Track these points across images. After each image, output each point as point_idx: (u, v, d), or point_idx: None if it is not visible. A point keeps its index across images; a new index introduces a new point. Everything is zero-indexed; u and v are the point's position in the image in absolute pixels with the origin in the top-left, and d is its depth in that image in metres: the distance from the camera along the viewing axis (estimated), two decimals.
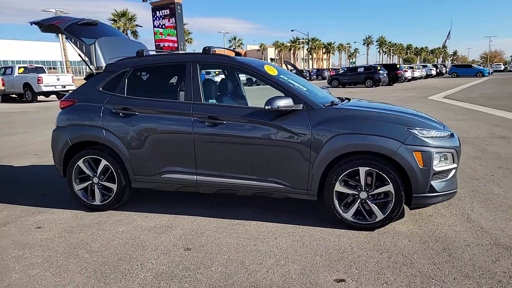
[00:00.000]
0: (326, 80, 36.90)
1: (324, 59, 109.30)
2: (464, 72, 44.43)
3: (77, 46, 4.22)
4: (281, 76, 3.92)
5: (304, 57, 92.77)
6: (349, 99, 4.28)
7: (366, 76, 28.97)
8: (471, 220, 3.69)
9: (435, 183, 3.39)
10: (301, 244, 3.28)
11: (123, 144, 3.98)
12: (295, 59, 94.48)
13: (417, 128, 3.42)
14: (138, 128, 3.93)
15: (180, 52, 6.00)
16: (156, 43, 45.54)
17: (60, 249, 3.32)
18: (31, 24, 4.47)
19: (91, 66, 4.34)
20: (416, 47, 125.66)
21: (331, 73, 55.42)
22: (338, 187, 3.51)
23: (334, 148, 3.43)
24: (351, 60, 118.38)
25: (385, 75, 29.05)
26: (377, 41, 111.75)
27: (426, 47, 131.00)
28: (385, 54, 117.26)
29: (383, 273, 2.79)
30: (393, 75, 30.63)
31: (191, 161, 3.84)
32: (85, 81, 4.42)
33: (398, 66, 33.28)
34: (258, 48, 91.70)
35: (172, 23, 33.04)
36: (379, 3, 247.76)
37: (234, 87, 4.85)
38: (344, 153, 3.44)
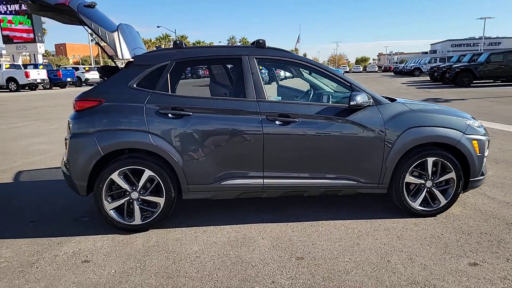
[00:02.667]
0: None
1: None
2: None
3: (97, 34, 3.42)
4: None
5: None
6: None
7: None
8: (493, 198, 4.26)
9: (483, 168, 3.83)
10: (398, 237, 3.34)
11: (175, 150, 3.41)
12: None
13: (470, 119, 3.81)
14: (195, 130, 3.42)
15: (229, 45, 5.24)
16: (3, 33, 38.79)
17: (153, 282, 2.70)
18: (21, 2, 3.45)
19: (115, 60, 3.58)
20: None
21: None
22: (408, 178, 3.68)
23: (407, 141, 3.58)
24: None
25: None
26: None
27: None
28: None
29: (497, 252, 3.05)
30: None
31: (258, 164, 3.53)
32: (105, 77, 3.63)
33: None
34: None
35: (25, 9, 28.62)
36: (244, 3, 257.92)
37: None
38: (415, 145, 3.61)
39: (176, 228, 3.59)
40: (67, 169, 3.48)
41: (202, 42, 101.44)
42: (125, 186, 3.44)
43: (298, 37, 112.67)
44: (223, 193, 3.59)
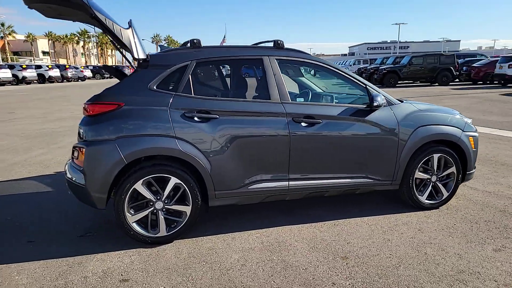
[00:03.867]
0: None
1: (108, 56, 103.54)
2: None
3: (110, 31, 3.12)
4: None
5: (85, 52, 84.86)
6: None
7: None
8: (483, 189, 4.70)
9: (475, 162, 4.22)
10: (419, 230, 3.54)
11: (203, 155, 3.25)
12: (74, 53, 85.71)
13: (467, 118, 4.15)
14: (222, 134, 3.29)
15: (249, 45, 4.78)
16: None
17: None
18: None
19: (130, 60, 3.30)
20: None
21: (131, 70, 53.35)
22: (417, 174, 3.92)
23: (417, 139, 3.81)
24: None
25: None
26: (165, 40, 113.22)
27: None
28: None
29: (509, 237, 3.37)
30: None
31: (284, 166, 3.50)
32: (121, 78, 3.33)
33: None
34: (25, 38, 77.70)
35: None
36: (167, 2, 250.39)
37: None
38: (424, 143, 3.85)
39: (202, 237, 3.42)
40: (84, 180, 3.13)
41: None
42: (149, 196, 3.20)
43: (224, 37, 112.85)
44: (250, 198, 3.50)
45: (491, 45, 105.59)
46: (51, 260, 3.04)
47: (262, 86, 3.56)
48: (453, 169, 4.02)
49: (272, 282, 2.71)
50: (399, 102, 3.92)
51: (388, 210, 4.00)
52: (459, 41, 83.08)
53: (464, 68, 23.04)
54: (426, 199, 4.00)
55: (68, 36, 75.44)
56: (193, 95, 3.33)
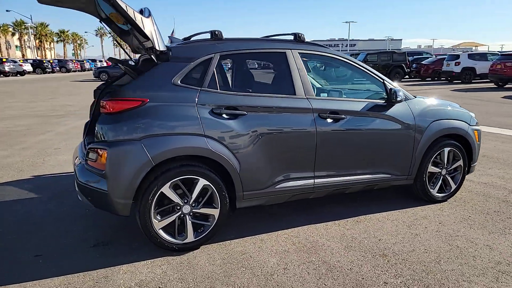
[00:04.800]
0: (92, 73, 33.12)
1: (47, 49, 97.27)
2: None
3: (131, 20, 2.82)
4: None
5: (22, 45, 78.44)
6: None
7: None
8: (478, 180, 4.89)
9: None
10: (440, 223, 3.60)
11: (232, 155, 3.06)
12: (7, 45, 79.35)
13: (470, 113, 4.29)
14: (251, 131, 3.11)
15: (271, 38, 4.34)
16: None
17: None
18: None
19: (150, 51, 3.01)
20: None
21: (75, 65, 50.54)
22: (430, 168, 3.98)
23: (431, 134, 3.87)
24: (79, 52, 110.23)
25: None
26: (109, 33, 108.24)
27: None
28: (116, 47, 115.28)
29: None
30: None
31: (311, 164, 3.40)
32: (141, 72, 3.04)
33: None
34: None
35: None
36: None
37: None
38: (437, 137, 3.92)
39: (228, 241, 3.23)
40: (106, 185, 2.81)
41: (66, 32, 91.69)
42: (177, 199, 2.95)
43: (173, 31, 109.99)
44: (276, 198, 3.36)
45: (429, 44, 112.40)
46: (70, 275, 2.71)
47: (285, 80, 3.41)
48: (460, 162, 4.13)
49: (323, 285, 2.60)
50: (414, 97, 3.95)
51: (402, 205, 4.03)
52: (401, 39, 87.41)
53: (414, 65, 24.26)
54: (437, 192, 4.08)
55: (1, 27, 69.35)
56: (219, 90, 3.12)
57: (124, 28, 3.83)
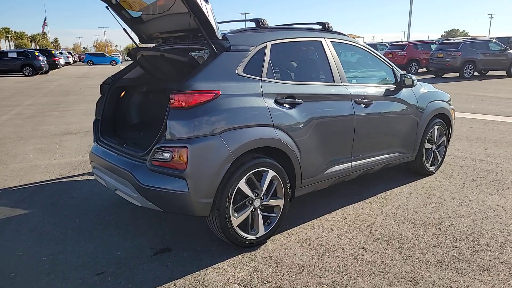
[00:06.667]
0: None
1: None
2: (99, 60, 46.35)
3: (199, 6, 2.62)
4: None
5: None
6: None
7: (23, 63, 24.88)
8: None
9: None
10: (446, 192, 4.09)
11: (294, 143, 3.06)
12: None
13: (447, 94, 4.90)
14: (308, 119, 3.15)
15: (305, 27, 3.69)
16: None
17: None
18: None
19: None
20: (16, 32, 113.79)
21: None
22: (426, 145, 4.48)
23: (428, 113, 4.36)
24: None
25: (45, 61, 26.07)
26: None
27: (24, 32, 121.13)
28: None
29: (509, 188, 4.20)
30: (51, 62, 28.09)
31: (349, 147, 3.58)
32: (204, 63, 2.81)
33: (53, 52, 30.60)
34: None
35: None
36: None
37: None
38: (432, 116, 4.42)
39: (288, 231, 3.23)
40: (186, 186, 2.58)
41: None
42: (250, 193, 2.86)
43: (44, 19, 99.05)
44: (323, 183, 3.45)
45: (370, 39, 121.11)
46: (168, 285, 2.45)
47: (323, 68, 3.49)
48: (444, 137, 4.72)
49: (409, 257, 2.80)
50: None
51: (402, 181, 4.44)
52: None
53: None
54: (430, 166, 4.60)
55: None
56: (275, 79, 3.07)
57: (134, 16, 3.51)
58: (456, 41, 18.37)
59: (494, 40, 17.98)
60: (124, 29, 3.62)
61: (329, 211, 3.63)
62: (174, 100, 2.61)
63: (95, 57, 47.96)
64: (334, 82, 3.47)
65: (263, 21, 3.20)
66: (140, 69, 3.76)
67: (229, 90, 2.76)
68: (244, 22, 4.01)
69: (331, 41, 3.59)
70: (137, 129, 3.77)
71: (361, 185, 4.31)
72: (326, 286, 2.47)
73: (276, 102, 2.96)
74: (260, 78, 2.96)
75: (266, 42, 3.10)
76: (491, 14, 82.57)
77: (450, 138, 4.88)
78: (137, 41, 3.76)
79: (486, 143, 6.12)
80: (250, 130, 2.77)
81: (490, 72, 18.55)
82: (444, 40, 24.67)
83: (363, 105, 3.60)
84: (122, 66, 40.83)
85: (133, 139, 3.42)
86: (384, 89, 3.91)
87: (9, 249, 2.97)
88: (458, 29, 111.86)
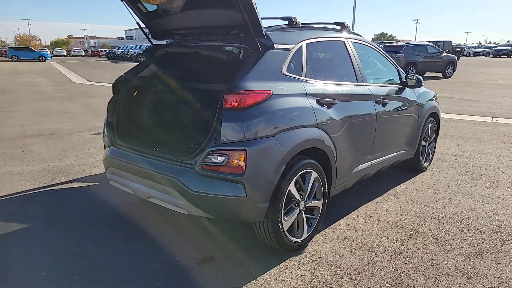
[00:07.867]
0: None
1: None
2: (25, 55, 42.60)
3: (251, 3, 2.50)
4: None
5: None
6: None
7: None
8: None
9: None
10: (447, 187, 4.31)
11: (332, 143, 3.04)
12: None
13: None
14: (342, 119, 3.14)
15: (325, 27, 3.26)
16: None
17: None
18: None
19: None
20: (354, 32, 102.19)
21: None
22: (423, 142, 4.70)
23: (425, 112, 4.58)
24: None
25: None
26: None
27: None
28: None
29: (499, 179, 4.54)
30: None
31: (371, 146, 3.63)
32: (247, 62, 2.67)
33: None
34: None
35: None
36: None
37: None
38: (428, 115, 4.64)
39: (322, 232, 3.21)
40: (244, 190, 2.43)
41: None
42: (297, 196, 2.78)
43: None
44: (349, 182, 3.47)
45: None
46: None
47: (348, 68, 3.50)
48: (434, 134, 4.98)
49: (448, 251, 2.91)
50: None
51: (400, 178, 4.60)
52: None
53: None
54: (424, 162, 4.83)
55: None
56: (313, 79, 3.02)
57: (150, 10, 3.31)
58: (399, 44, 19.53)
59: (431, 44, 19.39)
60: (138, 23, 3.36)
61: (351, 210, 3.65)
62: (228, 100, 2.45)
63: (20, 52, 43.79)
64: (357, 82, 3.50)
65: (296, 19, 3.13)
66: (154, 67, 3.50)
67: (278, 90, 2.66)
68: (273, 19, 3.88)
69: (351, 41, 3.61)
70: (156, 131, 3.51)
71: (365, 183, 4.39)
72: (389, 286, 2.47)
73: (318, 102, 2.91)
74: (301, 78, 2.89)
75: (303, 41, 3.04)
76: (417, 20, 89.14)
77: (437, 135, 5.16)
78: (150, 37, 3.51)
79: (455, 139, 6.56)
80: (301, 131, 2.70)
81: (427, 74, 19.97)
82: (385, 42, 26.10)
83: (381, 105, 3.68)
84: (52, 63, 38.13)
85: (159, 141, 3.18)
86: (394, 89, 4.02)
87: (30, 270, 2.61)
88: (386, 33, 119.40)
